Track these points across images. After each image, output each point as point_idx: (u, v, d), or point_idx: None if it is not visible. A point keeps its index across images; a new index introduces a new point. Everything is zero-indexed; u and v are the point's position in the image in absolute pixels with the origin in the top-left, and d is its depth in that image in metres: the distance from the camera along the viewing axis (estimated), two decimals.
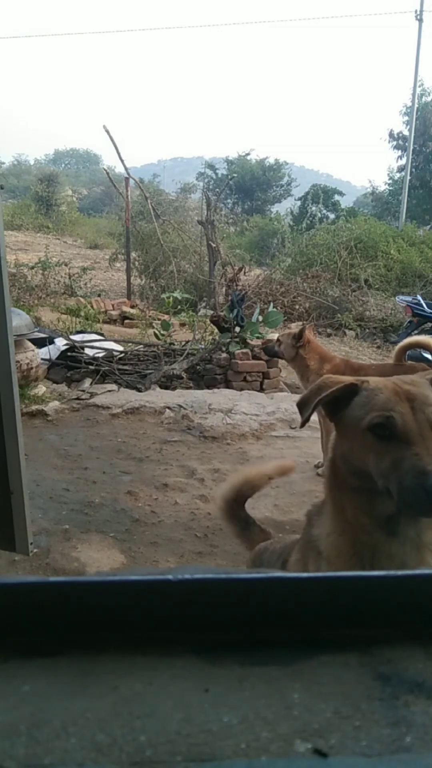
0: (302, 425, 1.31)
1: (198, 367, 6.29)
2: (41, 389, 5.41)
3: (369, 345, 9.28)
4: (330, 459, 1.25)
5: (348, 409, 1.18)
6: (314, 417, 1.40)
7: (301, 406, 1.29)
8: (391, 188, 25.21)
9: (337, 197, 23.64)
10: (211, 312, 8.06)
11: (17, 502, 2.03)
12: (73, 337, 6.58)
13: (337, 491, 1.22)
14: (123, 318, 9.52)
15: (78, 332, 7.24)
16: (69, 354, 6.14)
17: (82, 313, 8.79)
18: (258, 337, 6.32)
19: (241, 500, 1.86)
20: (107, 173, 14.49)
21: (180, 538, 3.05)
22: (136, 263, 12.30)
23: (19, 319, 5.13)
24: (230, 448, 4.37)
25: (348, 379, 1.23)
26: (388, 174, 26.25)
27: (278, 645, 0.44)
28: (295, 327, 4.53)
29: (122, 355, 6.44)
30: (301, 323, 9.98)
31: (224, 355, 6.22)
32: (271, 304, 8.28)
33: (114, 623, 0.45)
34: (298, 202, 23.75)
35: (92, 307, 9.49)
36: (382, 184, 26.32)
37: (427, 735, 0.36)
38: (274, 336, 6.49)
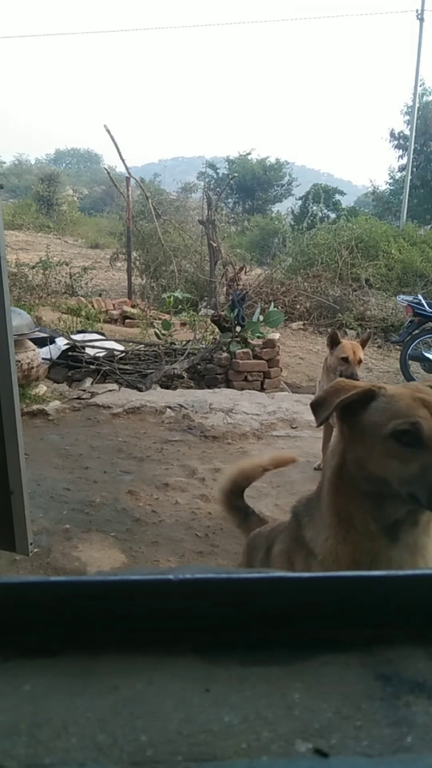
0: (319, 425, 1.29)
1: (199, 366, 6.29)
2: (42, 389, 5.41)
3: (370, 345, 9.25)
4: (336, 464, 1.23)
5: (365, 415, 1.17)
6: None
7: (317, 406, 1.27)
8: (392, 188, 25.17)
9: (338, 197, 23.61)
10: (212, 311, 8.06)
11: (17, 501, 2.03)
12: (73, 337, 6.57)
13: (343, 497, 1.21)
14: (124, 317, 9.51)
15: (79, 332, 7.24)
16: (70, 353, 6.14)
17: (83, 313, 8.79)
18: (259, 337, 6.32)
19: (237, 491, 1.90)
20: (108, 173, 14.47)
21: (181, 538, 3.05)
22: (137, 263, 12.29)
23: (19, 319, 5.13)
24: (231, 448, 4.37)
25: (363, 384, 1.23)
26: (389, 173, 26.22)
27: (279, 645, 0.44)
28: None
29: (123, 354, 6.44)
30: (302, 323, 10.04)
31: (225, 354, 6.22)
32: (272, 303, 8.29)
33: (114, 623, 0.45)
34: (299, 202, 23.71)
35: (93, 306, 9.48)
36: (383, 184, 26.25)
37: (428, 735, 0.36)
38: (276, 336, 6.52)
